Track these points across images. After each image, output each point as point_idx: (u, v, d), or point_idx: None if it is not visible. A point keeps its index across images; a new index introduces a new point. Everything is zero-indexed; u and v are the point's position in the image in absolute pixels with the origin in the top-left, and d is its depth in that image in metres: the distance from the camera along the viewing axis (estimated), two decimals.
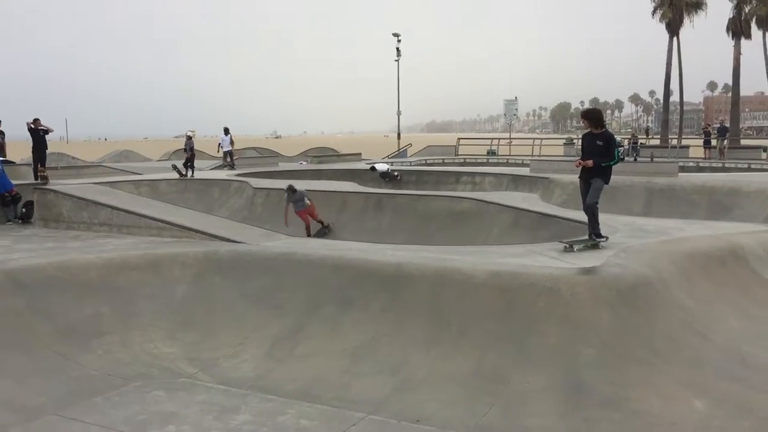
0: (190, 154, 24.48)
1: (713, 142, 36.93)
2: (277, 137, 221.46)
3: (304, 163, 33.59)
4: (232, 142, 30.04)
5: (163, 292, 8.66)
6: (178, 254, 9.42)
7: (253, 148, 44.54)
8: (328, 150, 41.97)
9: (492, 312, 7.23)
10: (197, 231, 10.66)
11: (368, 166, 28.09)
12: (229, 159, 29.91)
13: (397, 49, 49.04)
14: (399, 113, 51.13)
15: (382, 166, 26.60)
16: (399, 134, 50.45)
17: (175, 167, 24.86)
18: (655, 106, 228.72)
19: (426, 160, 37.33)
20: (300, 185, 18.98)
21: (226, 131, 29.87)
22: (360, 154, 38.53)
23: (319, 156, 35.64)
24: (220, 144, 30.50)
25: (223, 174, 25.27)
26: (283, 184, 21.91)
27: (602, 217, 9.29)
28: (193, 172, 24.09)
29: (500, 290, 7.38)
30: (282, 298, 8.39)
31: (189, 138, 25.57)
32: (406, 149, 43.03)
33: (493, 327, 7.07)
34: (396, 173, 26.09)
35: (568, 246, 8.99)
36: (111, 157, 40.98)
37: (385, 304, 7.79)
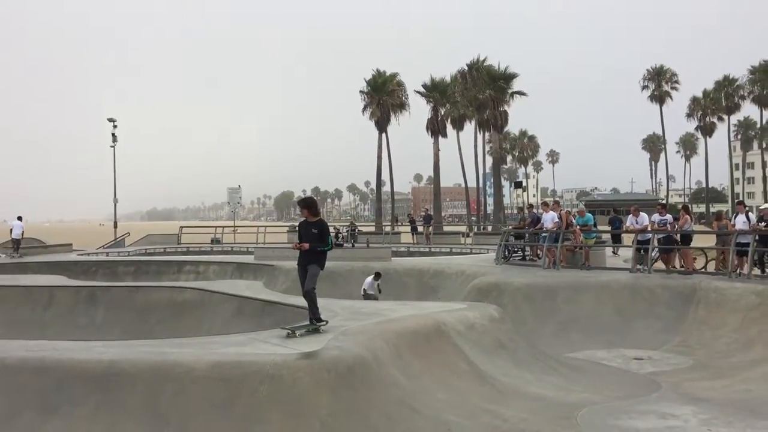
0: None
1: (420, 229, 40.61)
2: None
3: (3, 255, 30.08)
4: (22, 232, 29.55)
5: None
6: None
7: None
8: (34, 240, 38.08)
9: (214, 404, 7.00)
10: None
11: (80, 257, 26.07)
12: (16, 247, 28.98)
13: (113, 134, 47.00)
14: (116, 201, 48.59)
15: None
16: (116, 222, 47.76)
17: None
18: (370, 195, 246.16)
19: (146, 249, 35.69)
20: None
21: (20, 218, 29.71)
22: (71, 244, 35.70)
23: (24, 248, 32.14)
24: (11, 230, 29.55)
25: None
26: None
27: (324, 302, 9.62)
28: None
29: (222, 381, 7.19)
30: None
31: None
32: (123, 238, 40.77)
33: (215, 420, 6.84)
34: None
35: (290, 332, 9.11)
36: None
37: (96, 407, 7.13)
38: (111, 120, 46.97)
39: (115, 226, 46.66)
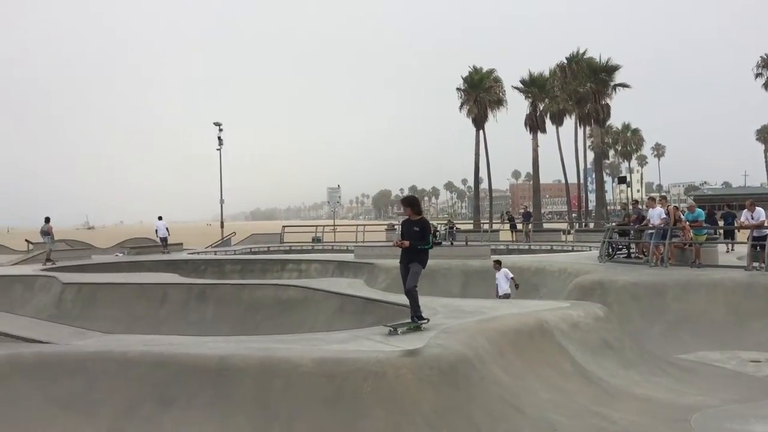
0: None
1: (519, 226, 39.99)
2: (89, 228, 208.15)
3: (121, 254, 31.94)
4: (167, 229, 33.20)
5: None
6: None
7: (63, 241, 41.67)
8: (147, 240, 40.24)
9: (320, 399, 7.19)
10: None
11: (190, 256, 27.39)
12: (165, 244, 32.76)
13: (219, 138, 48.87)
14: (222, 202, 50.52)
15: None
16: (222, 223, 49.68)
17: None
18: (467, 193, 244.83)
19: (251, 248, 36.93)
20: (114, 277, 17.94)
21: (161, 218, 33.21)
22: (182, 244, 37.38)
23: (138, 247, 34.06)
24: (156, 230, 33.18)
25: (29, 269, 23.36)
26: (96, 278, 20.64)
27: (423, 300, 9.66)
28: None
29: (327, 377, 7.37)
30: (96, 400, 7.76)
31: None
32: (230, 238, 42.35)
33: (322, 414, 7.02)
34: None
35: (392, 329, 9.22)
36: None
37: (209, 400, 7.47)
38: (217, 124, 48.85)
39: (222, 226, 48.54)
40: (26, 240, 36.33)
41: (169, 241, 33.46)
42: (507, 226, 42.25)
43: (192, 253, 32.69)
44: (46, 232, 26.83)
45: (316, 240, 40.99)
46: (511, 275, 16.54)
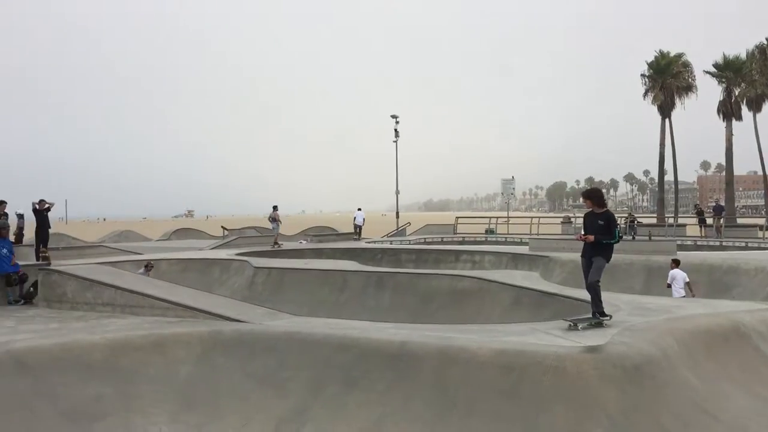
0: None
1: (709, 221, 37.30)
2: None
3: (304, 242, 33.80)
4: (363, 219, 37.08)
5: (167, 373, 8.60)
6: (182, 334, 9.40)
7: (253, 228, 44.90)
8: (327, 229, 42.27)
9: (498, 390, 7.19)
10: (201, 311, 10.65)
11: (367, 245, 28.40)
12: (358, 232, 36.44)
13: (396, 130, 50.00)
14: (397, 192, 51.66)
15: None
16: (397, 213, 50.85)
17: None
18: (649, 185, 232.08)
19: (425, 238, 37.56)
20: (299, 263, 18.98)
21: (360, 209, 37.55)
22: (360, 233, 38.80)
23: (319, 235, 35.98)
24: (354, 218, 36.90)
25: (223, 254, 25.38)
26: (283, 263, 21.97)
27: (604, 295, 9.34)
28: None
29: (506, 368, 7.36)
30: (286, 378, 8.33)
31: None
32: (404, 228, 43.32)
33: (500, 406, 7.03)
34: None
35: (572, 324, 9.01)
36: (111, 237, 41.32)
37: (390, 384, 7.74)
38: (394, 116, 50.04)
39: (397, 216, 49.73)
40: (222, 227, 39.62)
41: (317, 233, 36.58)
42: (695, 220, 39.59)
43: (369, 242, 33.81)
44: (274, 219, 29.35)
45: (490, 231, 40.85)
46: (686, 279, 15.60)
